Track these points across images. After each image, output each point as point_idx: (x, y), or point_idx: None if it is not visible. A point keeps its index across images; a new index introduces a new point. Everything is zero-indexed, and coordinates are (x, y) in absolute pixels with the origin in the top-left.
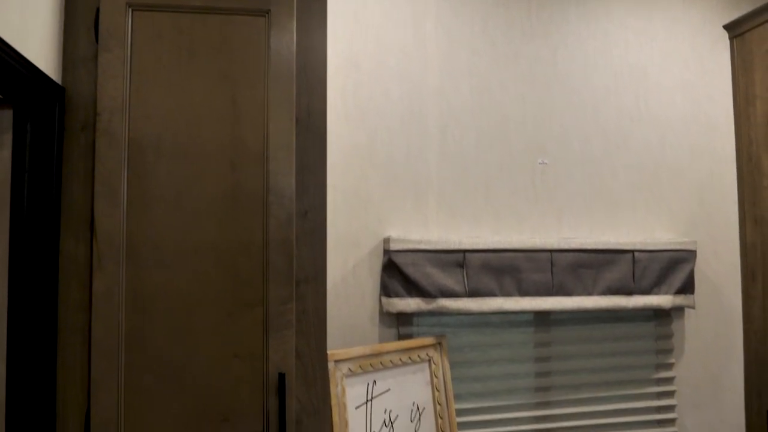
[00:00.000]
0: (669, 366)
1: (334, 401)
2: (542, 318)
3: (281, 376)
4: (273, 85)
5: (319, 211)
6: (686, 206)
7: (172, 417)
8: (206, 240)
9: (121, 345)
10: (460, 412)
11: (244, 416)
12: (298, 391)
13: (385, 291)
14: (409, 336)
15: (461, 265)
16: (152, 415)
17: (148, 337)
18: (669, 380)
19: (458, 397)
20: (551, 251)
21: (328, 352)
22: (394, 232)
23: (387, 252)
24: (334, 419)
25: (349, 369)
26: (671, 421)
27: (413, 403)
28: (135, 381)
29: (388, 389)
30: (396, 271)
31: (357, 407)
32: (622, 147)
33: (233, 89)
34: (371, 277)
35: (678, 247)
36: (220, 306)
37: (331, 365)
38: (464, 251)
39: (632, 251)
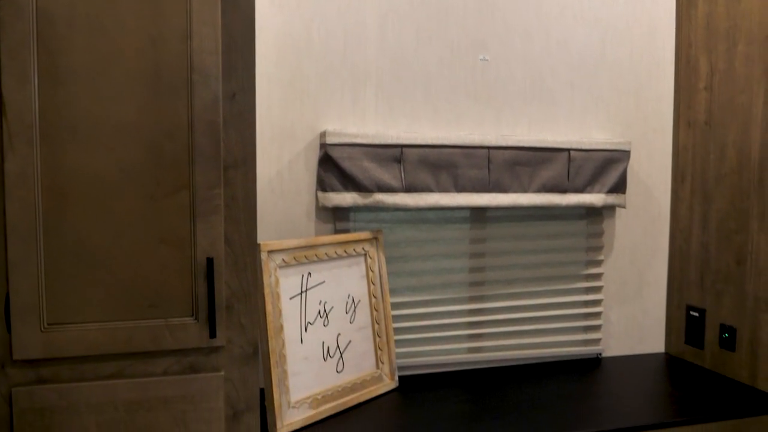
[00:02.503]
0: (598, 263)
1: (267, 291)
2: (478, 214)
3: (209, 261)
4: None
5: (248, 93)
6: (623, 107)
7: (98, 302)
8: (127, 121)
9: (39, 229)
10: (396, 306)
11: (172, 301)
12: (227, 277)
13: (321, 185)
14: (345, 231)
15: (398, 160)
16: (76, 300)
17: (69, 221)
18: (597, 276)
19: (393, 291)
20: (489, 148)
21: (262, 242)
22: (330, 126)
23: (323, 146)
24: (267, 309)
25: (283, 260)
26: (597, 315)
27: (348, 296)
28: (56, 266)
29: (323, 281)
30: (332, 165)
31: (291, 298)
32: (563, 45)
33: None
34: (307, 172)
35: (613, 147)
36: (144, 190)
37: (264, 256)
38: (402, 146)
39: (568, 150)
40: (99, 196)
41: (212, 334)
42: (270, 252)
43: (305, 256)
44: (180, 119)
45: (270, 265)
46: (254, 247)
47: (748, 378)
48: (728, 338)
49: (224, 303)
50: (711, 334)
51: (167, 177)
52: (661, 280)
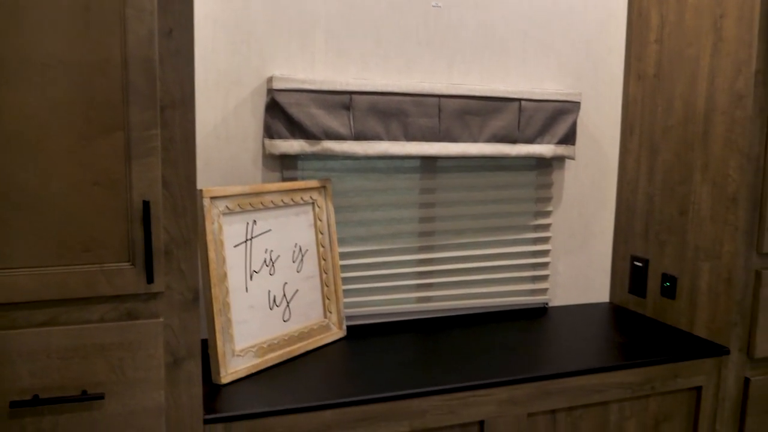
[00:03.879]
0: (547, 214)
1: (210, 238)
2: (428, 164)
3: (146, 204)
4: None
5: (186, 30)
6: (574, 59)
7: (27, 247)
8: (56, 56)
9: None
10: (344, 255)
11: (108, 246)
12: (166, 221)
13: (268, 132)
14: (293, 180)
15: (347, 107)
16: (3, 245)
17: None
18: (546, 227)
19: (342, 241)
20: (439, 96)
21: (204, 188)
22: (278, 71)
23: (270, 91)
24: (210, 256)
25: (227, 207)
26: (545, 265)
27: (295, 245)
28: None
29: (269, 230)
30: (279, 112)
31: (236, 246)
32: None
33: None
34: (254, 118)
35: (563, 98)
36: (76, 130)
37: (206, 202)
38: (351, 93)
39: (519, 100)
40: (28, 136)
41: (149, 280)
42: (213, 198)
43: (250, 204)
44: (113, 55)
45: (213, 212)
46: (194, 192)
47: (687, 324)
48: (669, 287)
49: (162, 248)
50: (653, 283)
51: (100, 116)
52: (607, 232)
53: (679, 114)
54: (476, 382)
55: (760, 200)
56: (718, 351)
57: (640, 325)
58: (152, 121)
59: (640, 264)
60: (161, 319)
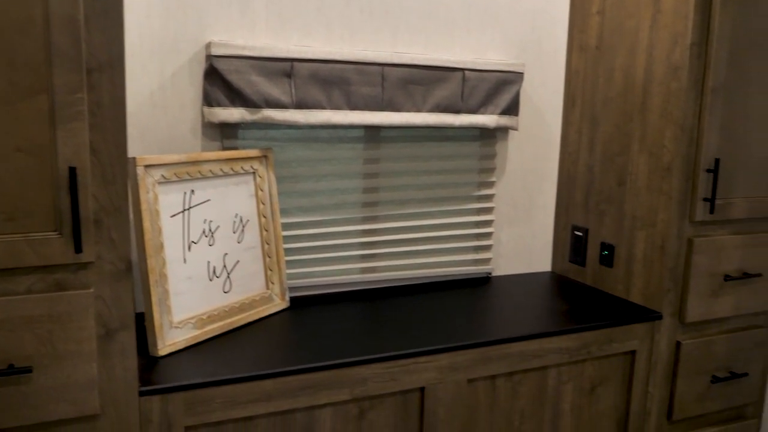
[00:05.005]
0: (490, 184)
1: (144, 207)
2: (372, 134)
3: (72, 171)
4: None
5: None
6: (519, 30)
7: None
8: None
9: None
10: (287, 226)
11: (33, 215)
12: (95, 189)
13: (207, 100)
14: (234, 150)
15: (289, 75)
16: None
17: None
18: (489, 198)
19: (284, 211)
20: (383, 65)
21: (138, 156)
22: (217, 38)
23: (209, 58)
24: (145, 226)
25: (163, 176)
26: (488, 235)
27: (236, 215)
28: None
29: (208, 200)
30: (218, 79)
31: (172, 216)
32: None
33: None
34: (192, 86)
35: (507, 68)
36: None
37: (140, 170)
38: (292, 60)
39: (463, 70)
40: None
41: (78, 249)
42: (147, 167)
43: (188, 173)
44: (34, 13)
45: (147, 181)
46: (124, 159)
47: (623, 292)
48: (607, 255)
49: (91, 217)
50: (593, 252)
51: (22, 78)
52: (550, 202)
53: (619, 85)
54: (417, 350)
55: (693, 170)
56: (652, 316)
57: (579, 293)
58: (78, 85)
59: (580, 234)
60: (92, 290)
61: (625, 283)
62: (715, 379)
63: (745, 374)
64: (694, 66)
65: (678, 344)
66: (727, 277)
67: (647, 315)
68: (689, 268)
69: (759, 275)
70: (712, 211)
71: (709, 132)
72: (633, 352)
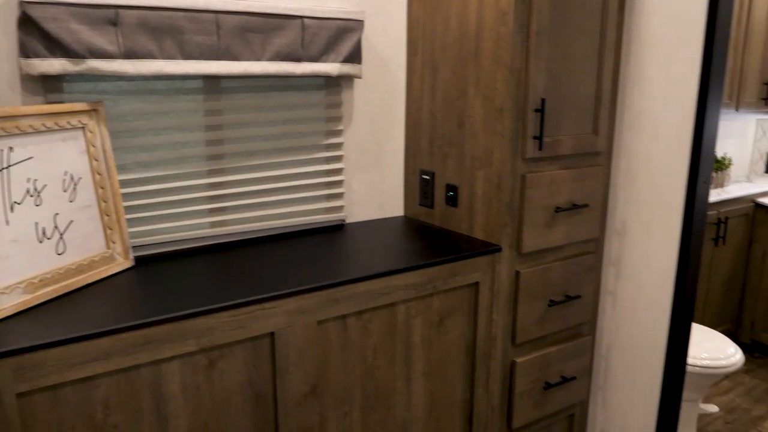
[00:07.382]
0: (338, 133)
1: None
2: (212, 85)
3: None
4: None
5: None
6: None
7: None
8: None
9: None
10: (126, 183)
11: None
12: None
13: (23, 51)
14: (60, 104)
15: (114, 22)
16: None
17: None
18: (338, 146)
19: (122, 168)
20: (216, 12)
21: None
22: None
23: (22, 4)
24: None
25: None
26: (339, 183)
27: (65, 173)
28: None
29: (31, 157)
30: (34, 28)
31: None
32: None
33: None
34: (5, 36)
35: (346, 15)
36: None
37: None
38: (117, 7)
39: (301, 17)
40: None
41: None
42: None
43: (3, 129)
44: None
45: None
46: None
47: (467, 229)
48: (452, 196)
49: None
50: (439, 194)
51: None
52: (398, 148)
53: (454, 32)
54: (263, 296)
55: (522, 111)
56: (491, 249)
57: (428, 234)
58: None
59: (427, 177)
60: None
61: (468, 221)
62: (552, 303)
63: (578, 296)
64: (520, 11)
65: (517, 273)
66: (558, 209)
67: (487, 248)
68: (523, 202)
69: (586, 206)
70: (540, 148)
71: (535, 74)
72: (476, 284)
